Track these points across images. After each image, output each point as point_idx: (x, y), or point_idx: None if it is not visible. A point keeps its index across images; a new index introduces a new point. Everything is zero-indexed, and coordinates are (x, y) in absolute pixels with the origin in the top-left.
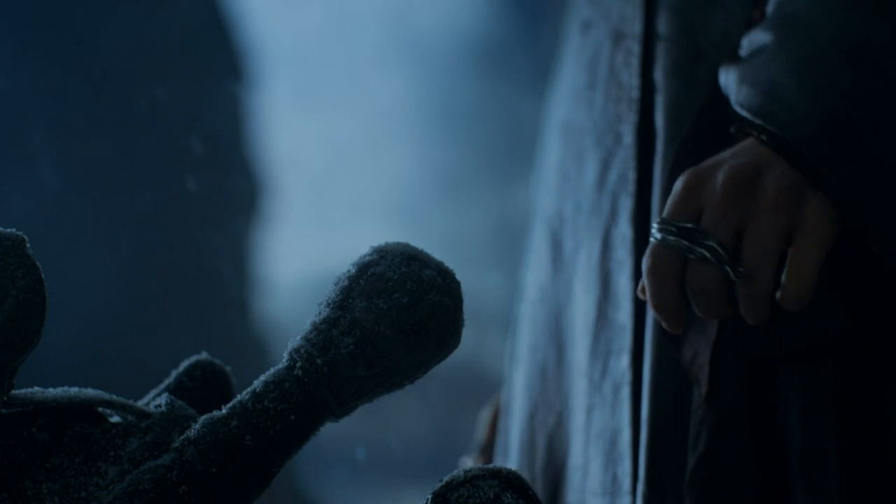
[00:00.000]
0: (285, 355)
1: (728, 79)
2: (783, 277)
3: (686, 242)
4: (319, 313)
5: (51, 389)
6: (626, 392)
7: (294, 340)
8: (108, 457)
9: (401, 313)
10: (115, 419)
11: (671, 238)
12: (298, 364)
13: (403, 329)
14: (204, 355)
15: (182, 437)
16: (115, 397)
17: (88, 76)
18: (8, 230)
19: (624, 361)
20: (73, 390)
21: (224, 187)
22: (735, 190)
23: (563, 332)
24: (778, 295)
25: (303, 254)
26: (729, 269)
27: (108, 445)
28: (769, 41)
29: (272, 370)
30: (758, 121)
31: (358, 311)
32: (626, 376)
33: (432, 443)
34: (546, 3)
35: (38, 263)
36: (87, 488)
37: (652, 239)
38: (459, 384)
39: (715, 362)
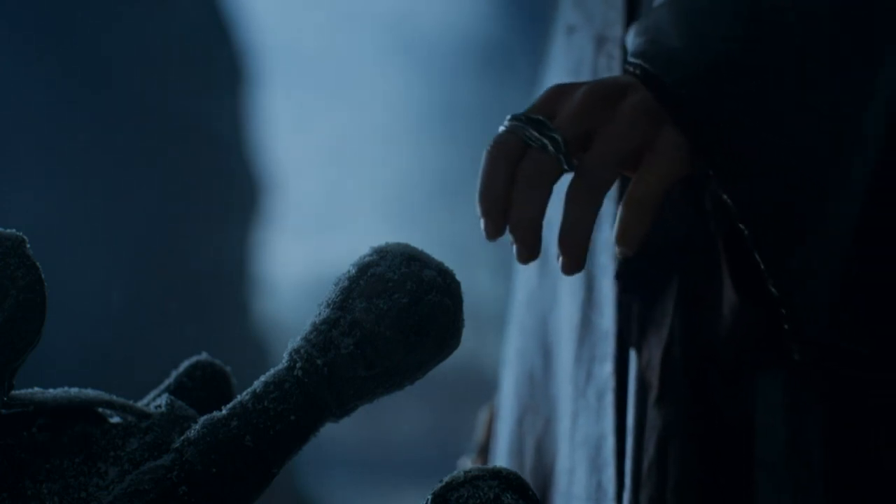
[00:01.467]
0: (285, 356)
1: (628, 37)
2: (619, 208)
3: (532, 131)
4: (319, 314)
5: (51, 390)
6: (609, 399)
7: (294, 341)
8: (108, 457)
9: (401, 314)
10: (116, 420)
11: (517, 124)
12: (298, 364)
13: (403, 329)
14: (204, 355)
15: (182, 438)
16: (115, 398)
17: (89, 77)
18: (8, 230)
19: (607, 368)
20: (73, 391)
21: (224, 188)
22: (593, 99)
23: (549, 337)
24: (614, 229)
25: (303, 254)
26: (563, 158)
27: (108, 446)
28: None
29: (272, 371)
30: (636, 61)
31: (358, 311)
32: (610, 383)
33: (432, 443)
34: (546, 4)
35: (38, 264)
36: (87, 489)
37: (500, 129)
38: (459, 385)
39: (666, 365)
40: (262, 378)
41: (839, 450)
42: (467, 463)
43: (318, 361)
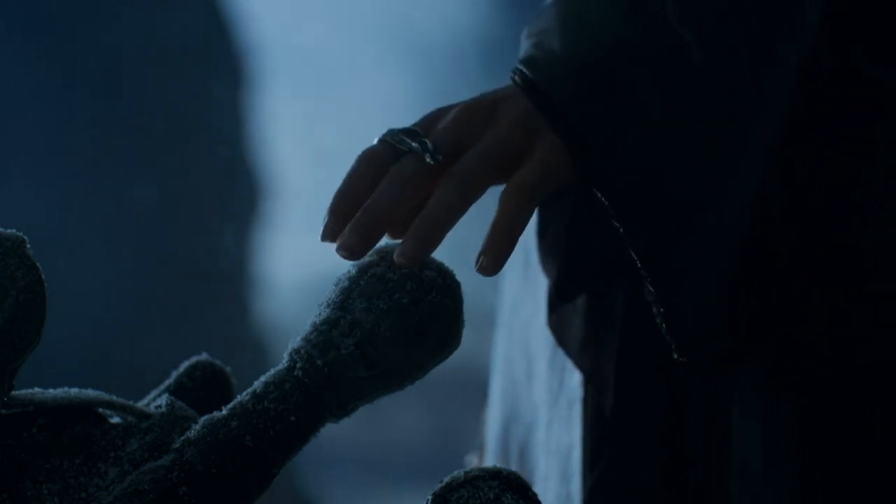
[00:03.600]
0: (285, 356)
1: (522, 36)
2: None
3: (403, 137)
4: (319, 314)
5: (51, 390)
6: (577, 408)
7: (294, 341)
8: (109, 457)
9: (401, 314)
10: (116, 420)
11: (390, 135)
12: (299, 365)
13: (404, 330)
14: (204, 356)
15: (182, 438)
16: (115, 398)
17: (89, 76)
18: (8, 231)
19: (577, 377)
20: (74, 391)
21: (225, 188)
22: (468, 112)
23: (531, 344)
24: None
25: (303, 254)
26: (429, 155)
27: (108, 446)
28: None
29: (272, 371)
30: (520, 66)
31: (358, 311)
32: (579, 392)
33: (432, 443)
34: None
35: (38, 264)
36: (88, 489)
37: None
38: (459, 385)
39: (620, 374)
40: (263, 378)
41: (813, 452)
42: (473, 460)
43: (319, 362)
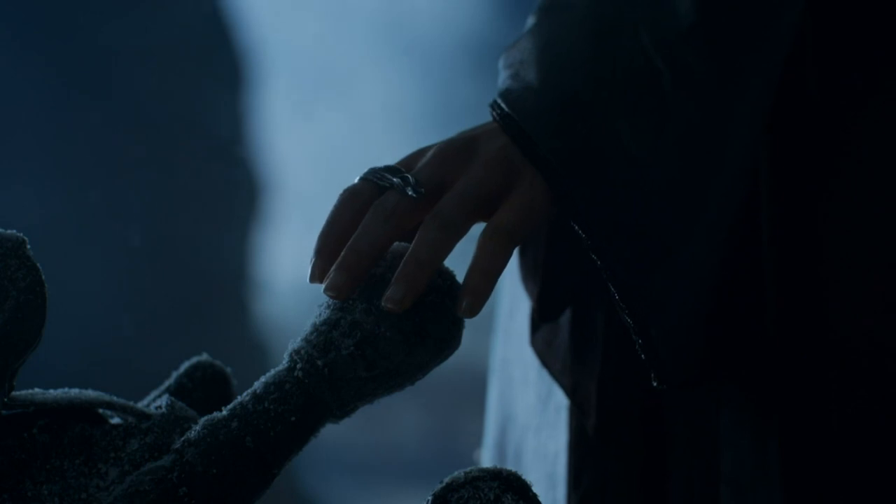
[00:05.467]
0: (285, 356)
1: (499, 63)
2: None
3: (385, 174)
4: (319, 315)
5: (51, 391)
6: (564, 415)
7: (294, 342)
8: (109, 458)
9: (401, 315)
10: (116, 420)
11: (371, 173)
12: (299, 365)
13: (404, 330)
14: (204, 356)
15: (182, 439)
16: (115, 399)
17: (88, 76)
18: (8, 231)
19: None
20: (74, 391)
21: (225, 188)
22: (448, 151)
23: (526, 348)
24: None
25: (303, 255)
26: (411, 189)
27: (108, 447)
28: (531, 24)
29: (272, 371)
30: (498, 100)
31: (358, 312)
32: (566, 399)
33: (433, 444)
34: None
35: (38, 265)
36: (88, 489)
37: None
38: (459, 386)
39: (602, 394)
40: (263, 379)
41: (798, 463)
42: (482, 455)
43: (319, 362)
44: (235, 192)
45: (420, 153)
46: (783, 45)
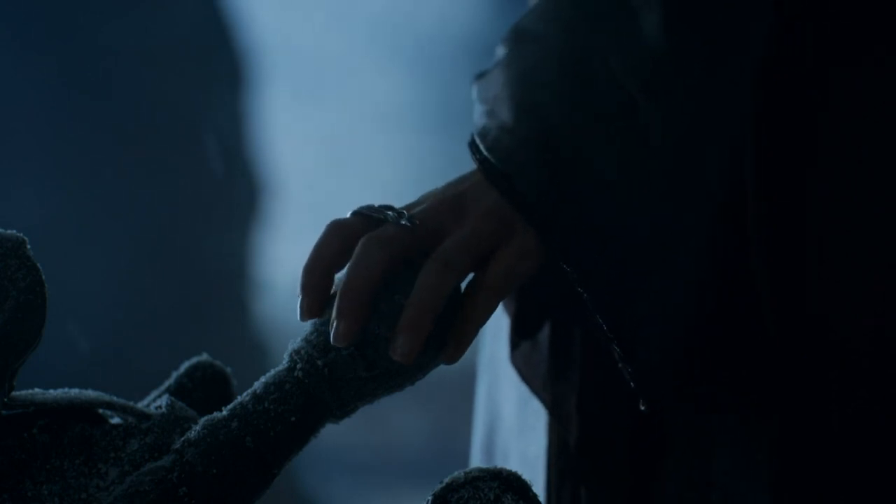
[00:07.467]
0: (285, 356)
1: (473, 92)
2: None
3: (379, 208)
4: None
5: (51, 391)
6: (543, 419)
7: (294, 342)
8: (109, 458)
9: (401, 315)
10: (116, 421)
11: (363, 210)
12: (299, 365)
13: None
14: (204, 356)
15: (182, 439)
16: (115, 399)
17: (88, 77)
18: (8, 231)
19: None
20: (74, 392)
21: (224, 188)
22: (442, 204)
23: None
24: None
25: (303, 255)
26: (407, 221)
27: (108, 447)
28: (502, 56)
29: (272, 371)
30: (476, 139)
31: None
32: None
33: (432, 444)
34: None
35: (38, 265)
36: (88, 489)
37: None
38: (459, 386)
39: (583, 409)
40: (263, 379)
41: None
42: (470, 455)
43: (319, 362)
44: (235, 192)
45: (411, 206)
46: (755, 57)
